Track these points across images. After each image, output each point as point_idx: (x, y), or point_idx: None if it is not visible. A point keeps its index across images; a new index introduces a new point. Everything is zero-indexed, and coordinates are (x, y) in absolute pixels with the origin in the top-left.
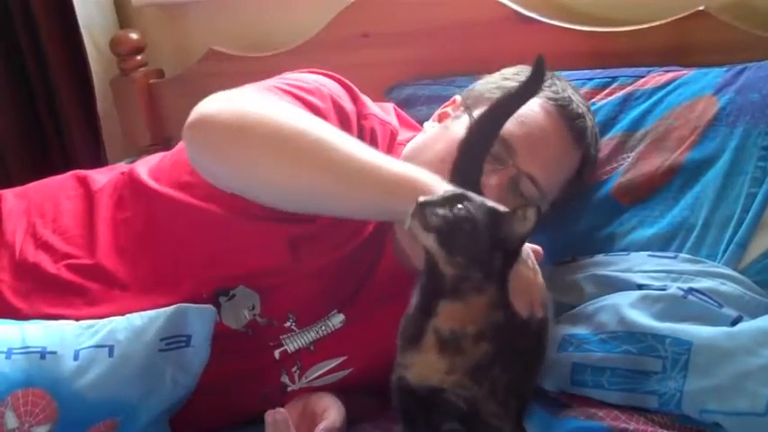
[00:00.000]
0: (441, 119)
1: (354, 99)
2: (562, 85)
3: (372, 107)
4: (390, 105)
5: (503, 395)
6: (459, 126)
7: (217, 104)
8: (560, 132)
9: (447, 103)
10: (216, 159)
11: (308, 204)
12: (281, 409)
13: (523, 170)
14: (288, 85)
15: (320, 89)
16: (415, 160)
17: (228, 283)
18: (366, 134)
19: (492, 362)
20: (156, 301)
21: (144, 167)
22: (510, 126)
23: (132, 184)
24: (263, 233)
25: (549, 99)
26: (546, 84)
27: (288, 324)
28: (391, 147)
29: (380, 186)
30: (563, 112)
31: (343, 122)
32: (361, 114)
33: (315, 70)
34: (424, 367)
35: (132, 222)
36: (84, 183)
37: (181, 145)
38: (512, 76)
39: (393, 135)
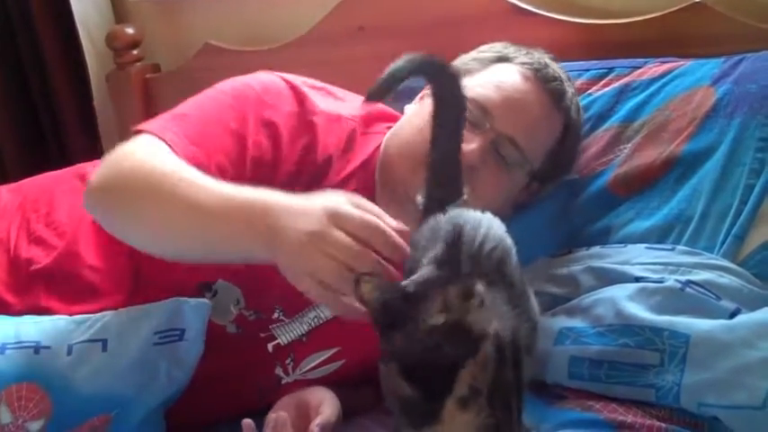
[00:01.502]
0: (420, 99)
1: (301, 101)
2: (539, 55)
3: (323, 105)
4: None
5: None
6: None
7: (99, 174)
8: (537, 94)
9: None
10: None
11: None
12: (282, 412)
13: (502, 132)
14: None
15: (246, 119)
16: (396, 137)
17: (208, 277)
18: (318, 131)
19: (495, 378)
20: (142, 297)
21: None
22: (486, 91)
23: None
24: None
25: (525, 64)
26: (522, 53)
27: (276, 315)
28: (352, 139)
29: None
30: (538, 74)
31: (272, 136)
32: (312, 112)
33: (269, 72)
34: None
35: None
36: (82, 178)
37: None
38: (487, 48)
39: (352, 127)
